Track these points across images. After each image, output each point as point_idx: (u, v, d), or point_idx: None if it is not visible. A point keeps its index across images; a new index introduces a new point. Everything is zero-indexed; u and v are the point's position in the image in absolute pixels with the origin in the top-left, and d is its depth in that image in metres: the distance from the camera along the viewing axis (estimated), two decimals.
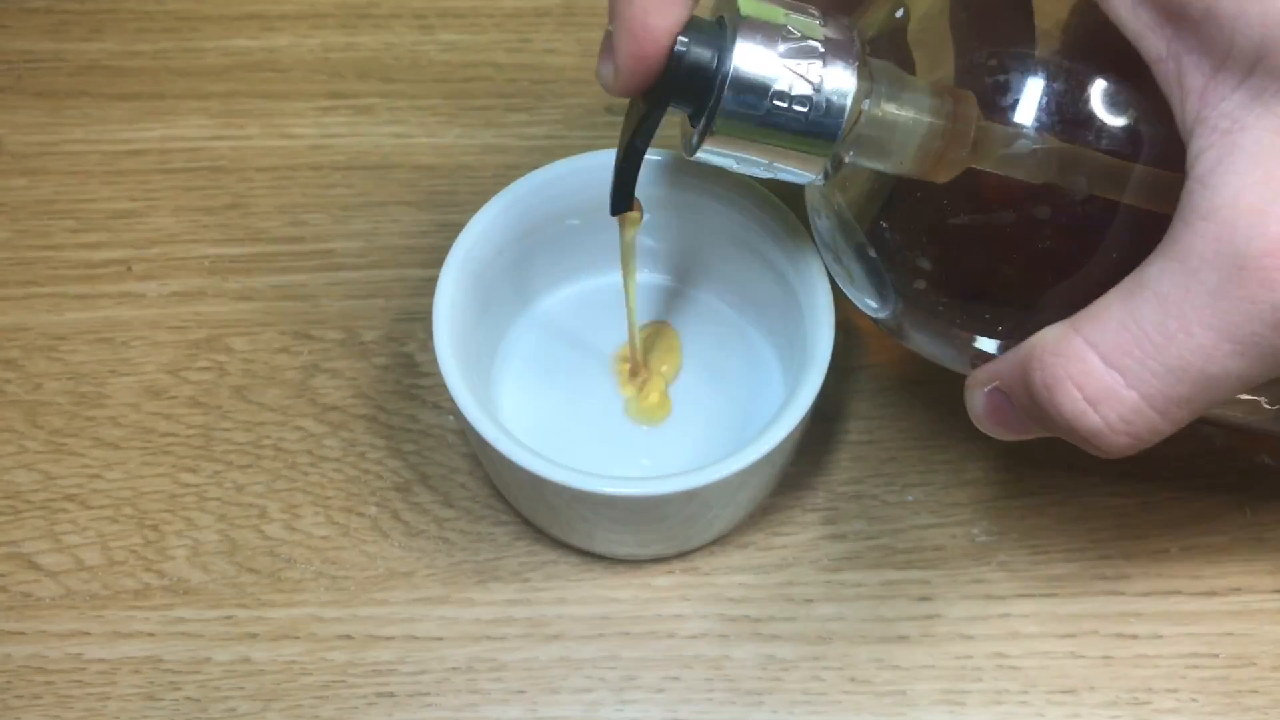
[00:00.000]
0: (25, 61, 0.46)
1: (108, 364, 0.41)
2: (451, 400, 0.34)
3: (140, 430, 0.40)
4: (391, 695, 0.36)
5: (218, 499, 0.39)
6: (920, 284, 0.31)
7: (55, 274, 0.42)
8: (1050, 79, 0.28)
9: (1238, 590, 0.37)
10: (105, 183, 0.44)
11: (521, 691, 0.36)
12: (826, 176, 0.31)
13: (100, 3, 0.48)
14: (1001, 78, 0.29)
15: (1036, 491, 0.39)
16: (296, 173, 0.44)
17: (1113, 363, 0.25)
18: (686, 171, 0.37)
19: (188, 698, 0.36)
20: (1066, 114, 0.28)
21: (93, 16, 0.47)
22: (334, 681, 0.36)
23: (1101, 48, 0.28)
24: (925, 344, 0.33)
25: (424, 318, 0.41)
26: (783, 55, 0.28)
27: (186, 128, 0.45)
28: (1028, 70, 0.29)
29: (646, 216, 0.39)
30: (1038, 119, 0.28)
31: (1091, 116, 0.28)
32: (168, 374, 0.41)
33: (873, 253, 0.31)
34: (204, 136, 0.45)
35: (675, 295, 0.41)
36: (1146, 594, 0.37)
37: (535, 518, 0.38)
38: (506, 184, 0.37)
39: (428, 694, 0.36)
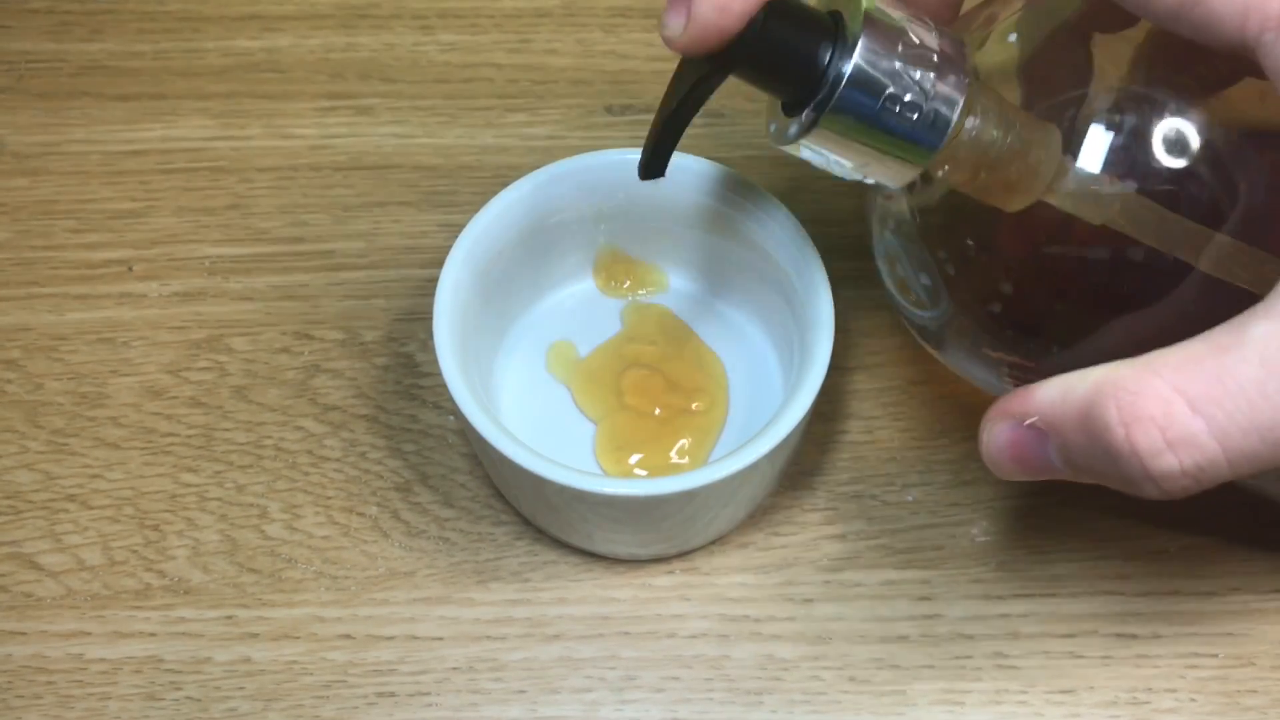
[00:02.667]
0: (26, 62, 0.46)
1: (108, 364, 0.41)
2: (452, 400, 0.34)
3: (141, 430, 0.40)
4: (392, 695, 0.36)
5: (218, 499, 0.39)
6: (995, 307, 0.31)
7: (56, 274, 0.42)
8: (1129, 126, 0.28)
9: (1237, 590, 0.37)
10: (106, 183, 0.44)
11: (522, 691, 0.36)
12: (911, 187, 0.31)
13: (101, 3, 0.48)
14: (1083, 120, 0.29)
15: (1036, 491, 0.39)
16: (297, 173, 0.44)
17: (1200, 410, 0.25)
18: (687, 172, 0.37)
19: (188, 697, 0.36)
20: (1141, 164, 0.28)
21: (94, 17, 0.47)
22: (335, 681, 0.36)
23: (1182, 93, 0.28)
24: (962, 361, 0.33)
25: (424, 318, 0.41)
26: (901, 59, 0.28)
27: (187, 128, 0.45)
28: (1108, 115, 0.29)
29: (648, 217, 0.39)
30: (1111, 165, 0.28)
31: (1167, 170, 0.28)
32: (168, 374, 0.41)
33: (950, 268, 0.31)
34: (205, 137, 0.45)
35: (675, 295, 0.41)
36: (1146, 594, 0.37)
37: (535, 518, 0.38)
38: (507, 184, 0.37)
39: (428, 694, 0.36)
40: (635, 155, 0.37)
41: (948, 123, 0.28)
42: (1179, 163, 0.28)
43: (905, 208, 0.32)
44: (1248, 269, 0.28)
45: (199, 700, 0.36)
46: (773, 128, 0.31)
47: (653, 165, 0.31)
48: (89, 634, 0.37)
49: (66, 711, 0.36)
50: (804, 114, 0.29)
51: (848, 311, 0.41)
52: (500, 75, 0.46)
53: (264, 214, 0.44)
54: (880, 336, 0.41)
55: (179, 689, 0.36)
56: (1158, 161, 0.28)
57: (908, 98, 0.28)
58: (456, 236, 0.36)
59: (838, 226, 0.43)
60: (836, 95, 0.28)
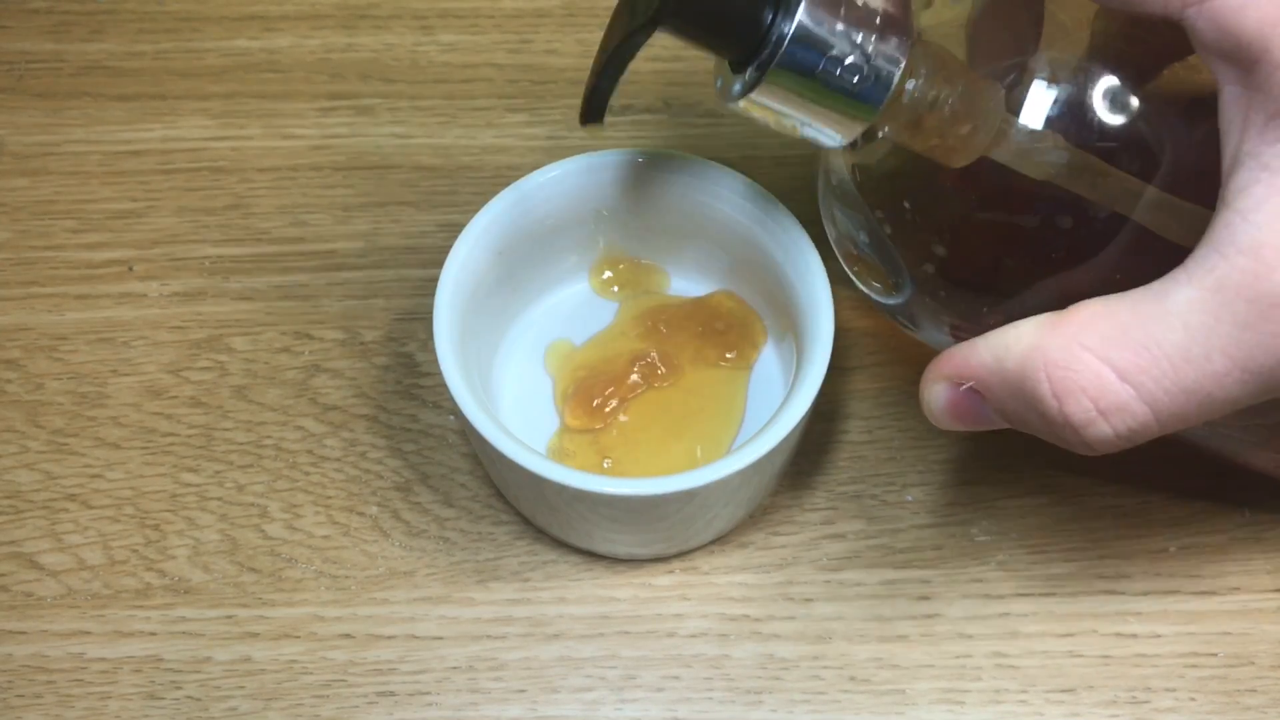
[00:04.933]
0: (26, 62, 0.47)
1: (109, 364, 0.41)
2: (452, 400, 0.34)
3: (141, 430, 0.40)
4: (392, 694, 0.36)
5: (219, 499, 0.39)
6: (929, 268, 0.32)
7: (56, 274, 0.42)
8: (1072, 86, 0.29)
9: (1236, 590, 0.37)
10: (106, 183, 0.44)
11: (522, 690, 0.36)
12: (853, 145, 0.31)
13: (101, 3, 0.48)
14: (1026, 79, 0.30)
15: (1036, 491, 0.39)
16: (297, 173, 0.44)
17: (1129, 379, 0.26)
18: (688, 172, 0.37)
19: (189, 697, 0.36)
20: (1082, 123, 0.29)
21: (93, 17, 0.47)
22: (335, 681, 0.36)
23: (1126, 60, 0.30)
24: (930, 333, 0.34)
25: (425, 318, 0.41)
26: (844, 19, 0.28)
27: (187, 128, 0.45)
28: (1052, 74, 0.30)
29: (648, 217, 0.39)
30: (1054, 123, 0.29)
31: (1107, 128, 0.29)
32: (169, 374, 0.41)
33: (888, 229, 0.32)
34: (205, 137, 0.45)
35: (675, 296, 0.41)
36: (1145, 593, 0.37)
37: (535, 517, 0.38)
38: (507, 184, 0.37)
39: (428, 693, 0.36)
40: (635, 155, 0.37)
41: (889, 83, 0.29)
42: (1117, 119, 0.29)
43: (845, 165, 0.33)
44: (1180, 222, 0.28)
45: (199, 700, 0.36)
46: (719, 84, 0.31)
47: (589, 113, 0.31)
48: (89, 633, 0.37)
49: (67, 711, 0.36)
50: (748, 72, 0.30)
51: (848, 311, 0.41)
52: (500, 75, 0.46)
53: (264, 214, 0.44)
54: (880, 336, 0.41)
55: (179, 688, 0.36)
56: (1097, 119, 0.29)
57: (850, 59, 0.28)
58: (456, 236, 0.36)
59: None
60: (779, 54, 0.28)
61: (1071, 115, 0.29)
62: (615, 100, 0.46)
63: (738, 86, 0.30)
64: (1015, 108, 0.29)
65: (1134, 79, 0.29)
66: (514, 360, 0.40)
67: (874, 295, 0.35)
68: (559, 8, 0.48)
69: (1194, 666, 0.36)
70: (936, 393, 0.30)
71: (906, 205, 0.32)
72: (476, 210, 0.37)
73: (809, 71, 0.29)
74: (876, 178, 0.33)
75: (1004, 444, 0.39)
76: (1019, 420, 0.28)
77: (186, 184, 0.44)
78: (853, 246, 0.34)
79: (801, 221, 0.36)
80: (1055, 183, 0.29)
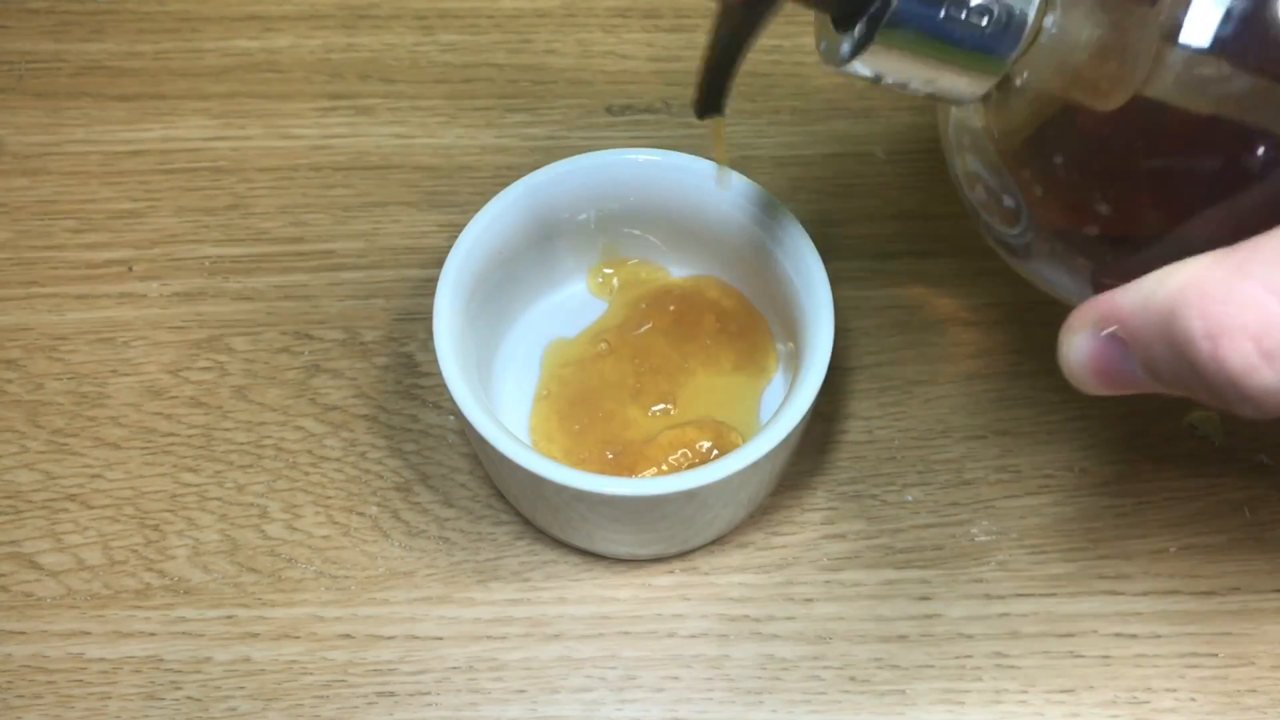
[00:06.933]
0: (26, 62, 0.47)
1: (109, 364, 0.41)
2: (452, 400, 0.34)
3: (141, 430, 0.40)
4: (392, 694, 0.36)
5: (219, 499, 0.39)
6: (1091, 230, 0.27)
7: (56, 274, 0.42)
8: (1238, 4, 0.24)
9: (1236, 590, 0.37)
10: (106, 183, 0.44)
11: (522, 691, 0.36)
12: (988, 97, 0.28)
13: (101, 3, 0.48)
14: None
15: (1036, 491, 0.39)
16: (297, 173, 0.44)
17: None
18: (689, 172, 0.37)
19: (189, 697, 0.36)
20: (1262, 39, 0.24)
21: (94, 17, 0.47)
22: (335, 681, 0.36)
23: None
24: (1048, 274, 0.30)
25: (424, 318, 0.41)
26: None
27: (187, 128, 0.45)
28: None
29: (648, 217, 0.39)
30: (1218, 44, 0.24)
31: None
32: (169, 374, 0.41)
33: (1038, 189, 0.28)
34: (205, 137, 0.45)
35: None
36: (1145, 594, 0.37)
37: (535, 518, 0.38)
38: (507, 184, 0.37)
39: (428, 693, 0.36)
40: (635, 155, 0.38)
41: (1023, 24, 0.25)
42: None
43: (982, 123, 0.29)
44: None
45: (199, 700, 0.36)
46: (823, 46, 0.27)
47: (710, 103, 0.28)
48: (89, 634, 0.37)
49: (67, 711, 0.36)
50: (857, 29, 0.26)
51: (848, 311, 0.41)
52: (500, 75, 0.46)
53: (264, 214, 0.44)
54: (880, 336, 0.41)
55: (179, 689, 0.36)
56: (1276, 31, 0.24)
57: (974, 1, 0.25)
58: (456, 236, 0.36)
59: (838, 226, 0.43)
60: (892, 6, 0.25)
61: (1243, 29, 0.24)
62: (615, 100, 0.46)
63: (846, 47, 0.26)
64: (1173, 29, 0.24)
65: None
66: (514, 360, 0.40)
67: (1000, 231, 0.30)
68: (559, 8, 0.48)
69: (1194, 666, 0.36)
70: (1076, 345, 0.25)
71: (1058, 162, 0.27)
72: (476, 210, 0.37)
73: (929, 23, 0.25)
74: (1017, 136, 0.28)
75: (1004, 444, 0.40)
76: (1169, 374, 0.23)
77: (186, 184, 0.44)
78: (985, 193, 0.29)
79: (801, 221, 0.36)
80: (1224, 114, 0.24)
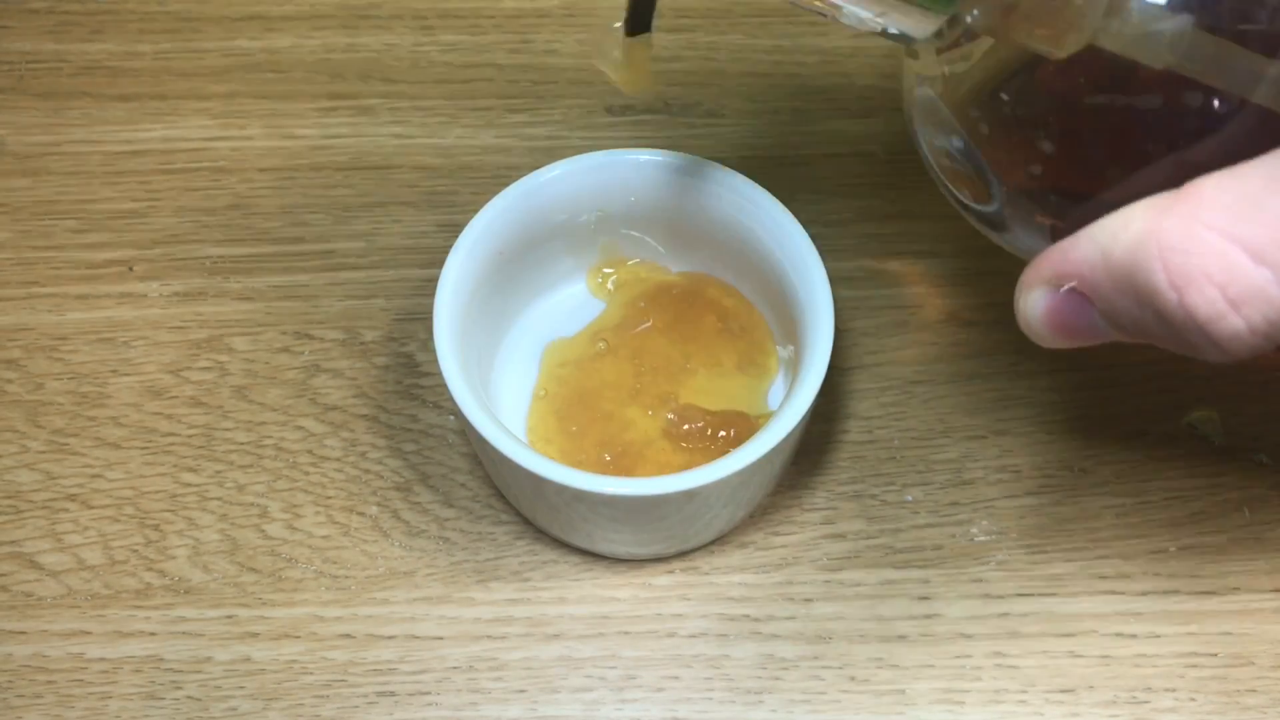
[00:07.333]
0: (27, 62, 0.47)
1: (109, 364, 0.41)
2: (452, 400, 0.34)
3: (141, 430, 0.40)
4: (392, 694, 0.36)
5: (219, 499, 0.39)
6: (1035, 169, 0.28)
7: (57, 274, 0.42)
8: None
9: (1236, 590, 0.37)
10: (107, 183, 0.44)
11: (522, 690, 0.36)
12: (940, 36, 0.28)
13: (101, 3, 0.48)
14: None
15: (1036, 491, 0.39)
16: (298, 173, 0.44)
17: (1265, 259, 0.22)
18: (689, 172, 0.37)
19: (189, 697, 0.36)
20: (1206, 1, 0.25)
21: (94, 17, 0.47)
22: (335, 681, 0.36)
23: None
24: (1026, 239, 0.30)
25: (425, 318, 0.42)
26: None
27: (188, 128, 0.45)
28: None
29: (648, 217, 0.39)
30: (1174, 2, 0.24)
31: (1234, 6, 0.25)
32: (169, 374, 0.41)
33: (984, 128, 0.28)
34: (205, 137, 0.45)
35: None
36: (1145, 593, 0.37)
37: (535, 518, 0.38)
38: (507, 184, 0.37)
39: (428, 693, 0.36)
40: (635, 155, 0.38)
41: None
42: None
43: (934, 64, 0.29)
44: None
45: (199, 700, 0.36)
46: None
47: (637, 20, 0.29)
48: (89, 633, 0.37)
49: (67, 711, 0.36)
50: None
51: (848, 311, 0.41)
52: (500, 75, 0.46)
53: (265, 214, 0.44)
54: (880, 336, 0.41)
55: (179, 688, 0.36)
56: None
57: None
58: (456, 236, 0.36)
59: (838, 226, 0.43)
60: None
61: None
62: (615, 100, 0.46)
63: None
64: None
65: None
66: (514, 360, 0.40)
67: (966, 202, 0.31)
68: (559, 8, 0.48)
69: (1194, 666, 0.36)
70: (1033, 301, 0.25)
71: (1004, 98, 0.27)
72: (476, 210, 0.37)
73: None
74: (969, 79, 0.28)
75: (1004, 444, 0.40)
76: (1132, 324, 0.24)
77: (187, 184, 0.44)
78: (947, 159, 0.30)
79: (801, 221, 0.36)
80: (1171, 68, 0.24)
